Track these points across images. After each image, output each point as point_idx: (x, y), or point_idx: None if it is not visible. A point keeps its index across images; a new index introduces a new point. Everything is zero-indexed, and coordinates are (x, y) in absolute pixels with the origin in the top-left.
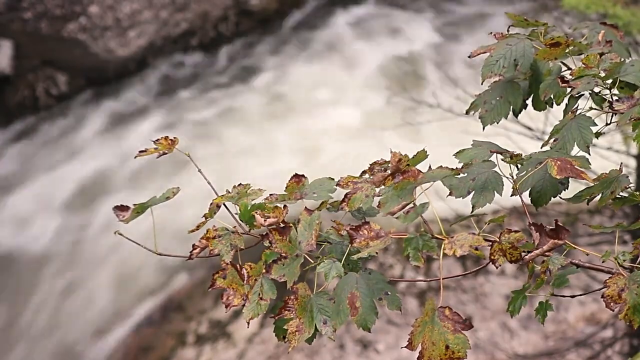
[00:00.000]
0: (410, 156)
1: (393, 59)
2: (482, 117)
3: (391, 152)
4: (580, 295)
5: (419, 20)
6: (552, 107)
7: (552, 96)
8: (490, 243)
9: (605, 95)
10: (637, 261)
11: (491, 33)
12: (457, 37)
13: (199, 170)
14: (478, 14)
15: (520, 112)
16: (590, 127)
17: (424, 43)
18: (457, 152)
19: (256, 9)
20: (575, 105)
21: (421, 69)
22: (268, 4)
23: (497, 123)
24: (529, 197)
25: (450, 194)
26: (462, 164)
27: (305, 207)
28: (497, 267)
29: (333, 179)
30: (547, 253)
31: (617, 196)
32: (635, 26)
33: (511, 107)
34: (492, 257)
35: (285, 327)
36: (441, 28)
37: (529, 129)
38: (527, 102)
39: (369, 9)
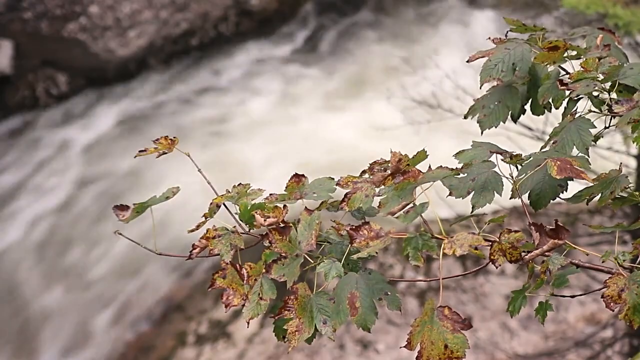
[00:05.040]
0: (410, 156)
1: (393, 58)
2: (481, 122)
3: (391, 152)
4: (580, 295)
5: (419, 22)
6: (550, 111)
7: (550, 100)
8: (490, 243)
9: (604, 98)
10: (637, 261)
11: (489, 38)
12: (456, 38)
13: (199, 170)
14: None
15: (519, 117)
16: (590, 130)
17: (424, 44)
18: (457, 153)
19: (256, 9)
20: (574, 108)
21: (420, 68)
22: (268, 4)
23: (495, 127)
24: (528, 199)
25: (450, 194)
26: (462, 164)
27: (305, 207)
28: (497, 267)
29: (333, 179)
30: (547, 253)
31: (617, 196)
32: (636, 26)
33: (510, 111)
34: (492, 257)
35: (285, 327)
36: (440, 29)
37: (529, 129)
38: (526, 106)
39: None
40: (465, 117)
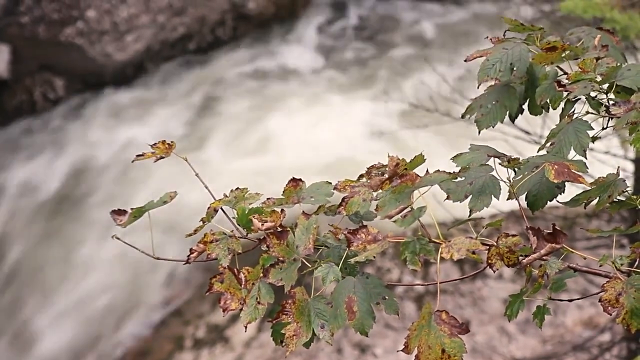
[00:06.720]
0: (408, 160)
1: (393, 60)
2: (478, 121)
3: (388, 156)
4: (578, 299)
5: (418, 23)
6: (548, 111)
7: (548, 100)
8: (488, 247)
9: (601, 99)
10: (635, 265)
11: (487, 37)
12: (455, 40)
13: (197, 175)
14: (476, 17)
15: (516, 117)
16: (587, 131)
17: (422, 46)
18: (455, 156)
19: (253, 13)
20: (572, 110)
21: (420, 70)
22: (265, 9)
23: (493, 127)
24: (525, 200)
25: (447, 198)
26: (459, 167)
27: (303, 211)
28: (494, 271)
29: (330, 183)
30: (544, 257)
31: (615, 200)
32: (633, 30)
33: (507, 111)
34: (490, 261)
35: (282, 331)
36: (439, 31)
37: (527, 133)
38: (523, 106)
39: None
40: (462, 117)
